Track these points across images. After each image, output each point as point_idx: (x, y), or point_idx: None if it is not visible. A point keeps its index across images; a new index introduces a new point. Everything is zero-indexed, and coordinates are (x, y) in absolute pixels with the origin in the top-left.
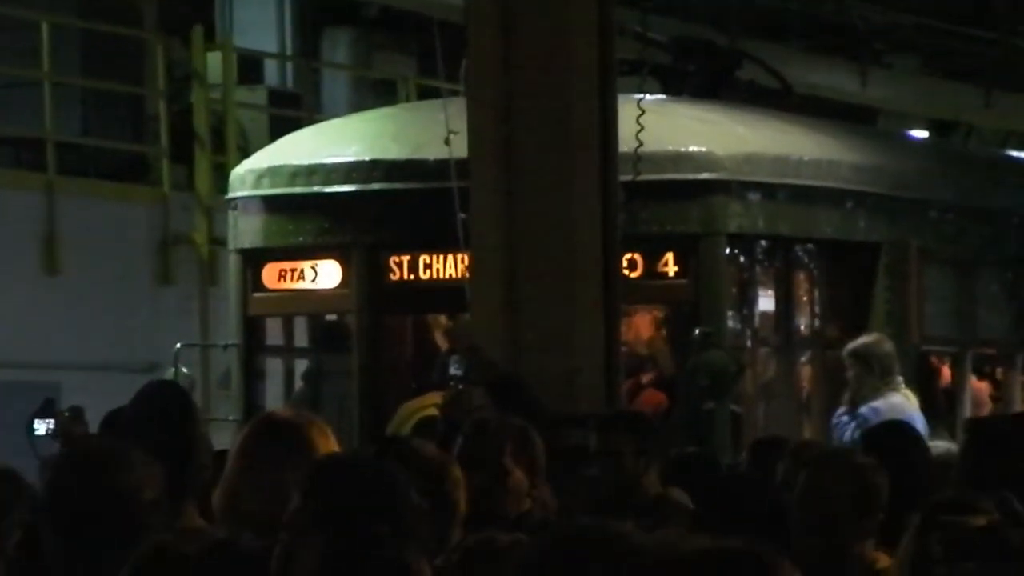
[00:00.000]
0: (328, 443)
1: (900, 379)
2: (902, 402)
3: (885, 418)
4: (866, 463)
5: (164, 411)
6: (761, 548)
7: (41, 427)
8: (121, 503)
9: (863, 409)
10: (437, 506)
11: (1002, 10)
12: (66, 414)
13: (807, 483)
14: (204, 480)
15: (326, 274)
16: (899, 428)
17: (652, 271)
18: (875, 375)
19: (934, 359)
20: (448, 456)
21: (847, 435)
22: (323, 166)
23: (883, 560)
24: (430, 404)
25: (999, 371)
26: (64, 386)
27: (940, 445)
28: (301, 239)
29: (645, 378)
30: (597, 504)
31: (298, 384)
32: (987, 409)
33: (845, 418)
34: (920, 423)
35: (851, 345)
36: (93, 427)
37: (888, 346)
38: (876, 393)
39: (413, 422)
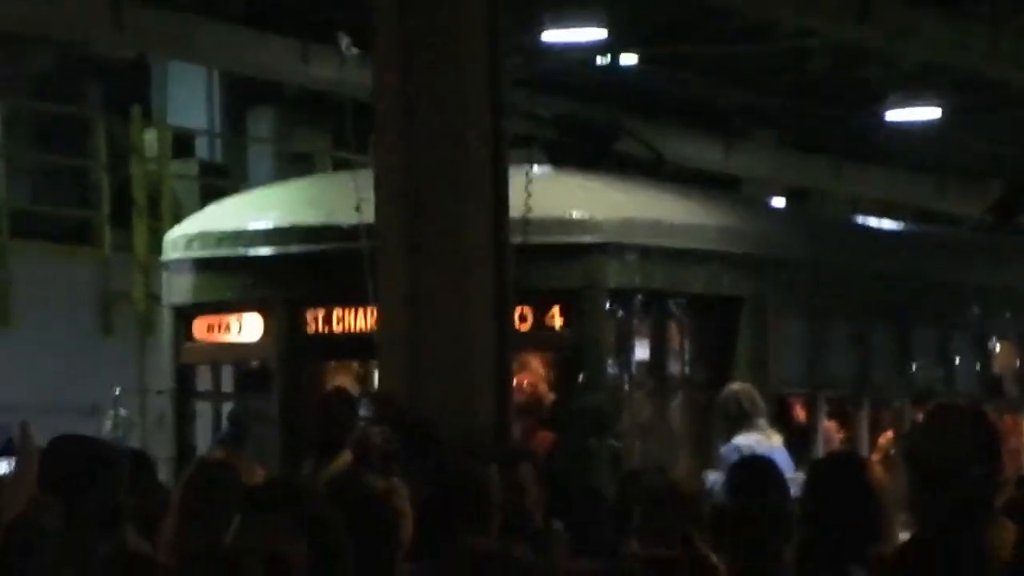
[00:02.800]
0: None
1: (763, 420)
2: (761, 440)
3: (744, 453)
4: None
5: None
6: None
7: (2, 466)
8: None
9: (725, 448)
10: (382, 536)
11: (850, 90)
12: None
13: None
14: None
15: (250, 326)
16: (753, 463)
17: (541, 323)
18: (741, 418)
19: (790, 400)
20: (393, 488)
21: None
22: (246, 231)
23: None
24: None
25: (847, 411)
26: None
27: (800, 477)
28: (227, 295)
29: (537, 419)
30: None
31: (223, 425)
32: (835, 445)
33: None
34: (780, 457)
35: (722, 392)
36: None
37: (752, 393)
38: (738, 433)
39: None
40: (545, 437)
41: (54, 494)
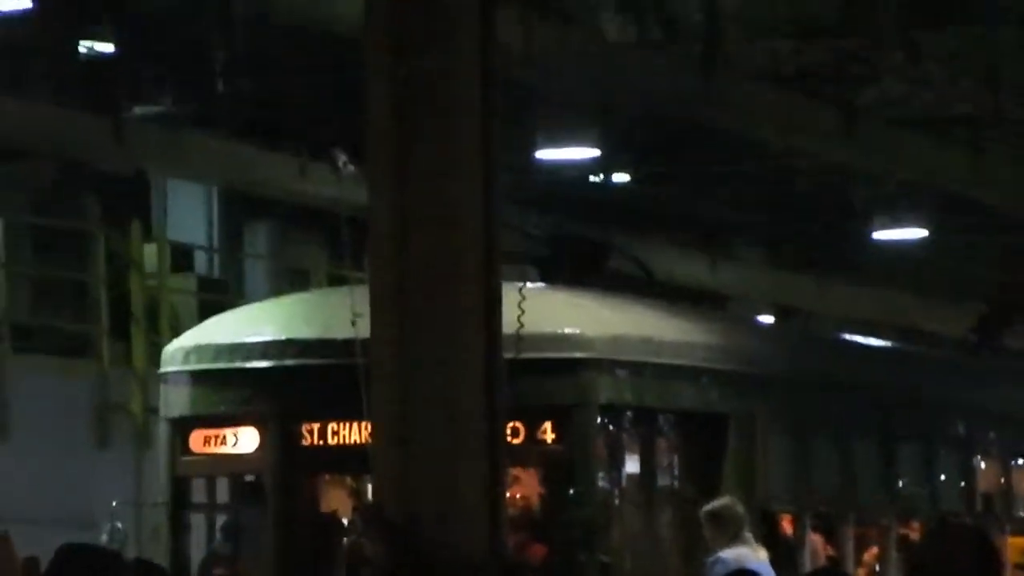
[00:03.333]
0: None
1: (749, 535)
2: (747, 553)
3: (731, 567)
4: None
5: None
6: None
7: None
8: None
9: (711, 559)
10: None
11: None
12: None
13: None
14: None
15: (246, 439)
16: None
17: (533, 437)
18: (727, 532)
19: (777, 515)
20: None
21: None
22: (243, 344)
23: None
24: None
25: (834, 526)
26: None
27: None
28: (224, 408)
29: (531, 533)
30: None
31: (217, 536)
32: (821, 559)
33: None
34: (765, 570)
35: (706, 507)
36: None
37: (738, 508)
38: (725, 547)
39: None
40: (538, 551)
41: None
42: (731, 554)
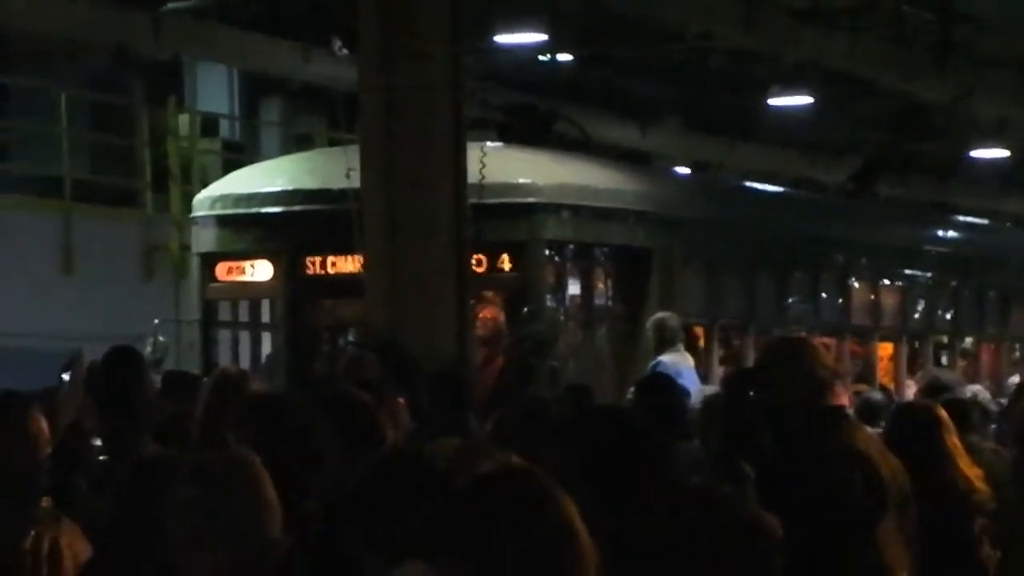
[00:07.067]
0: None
1: (681, 344)
2: (679, 359)
3: (666, 369)
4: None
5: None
6: (529, 470)
7: (67, 377)
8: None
9: (653, 363)
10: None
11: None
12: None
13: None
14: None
15: (261, 270)
16: (659, 377)
17: (493, 268)
18: (667, 340)
19: (692, 329)
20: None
21: None
22: (259, 194)
23: None
24: None
25: (736, 337)
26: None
27: (708, 389)
28: (243, 246)
29: (497, 347)
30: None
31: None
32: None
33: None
34: (689, 374)
35: (653, 318)
36: None
37: (673, 321)
38: (661, 352)
39: None
40: (500, 362)
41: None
42: (668, 358)
